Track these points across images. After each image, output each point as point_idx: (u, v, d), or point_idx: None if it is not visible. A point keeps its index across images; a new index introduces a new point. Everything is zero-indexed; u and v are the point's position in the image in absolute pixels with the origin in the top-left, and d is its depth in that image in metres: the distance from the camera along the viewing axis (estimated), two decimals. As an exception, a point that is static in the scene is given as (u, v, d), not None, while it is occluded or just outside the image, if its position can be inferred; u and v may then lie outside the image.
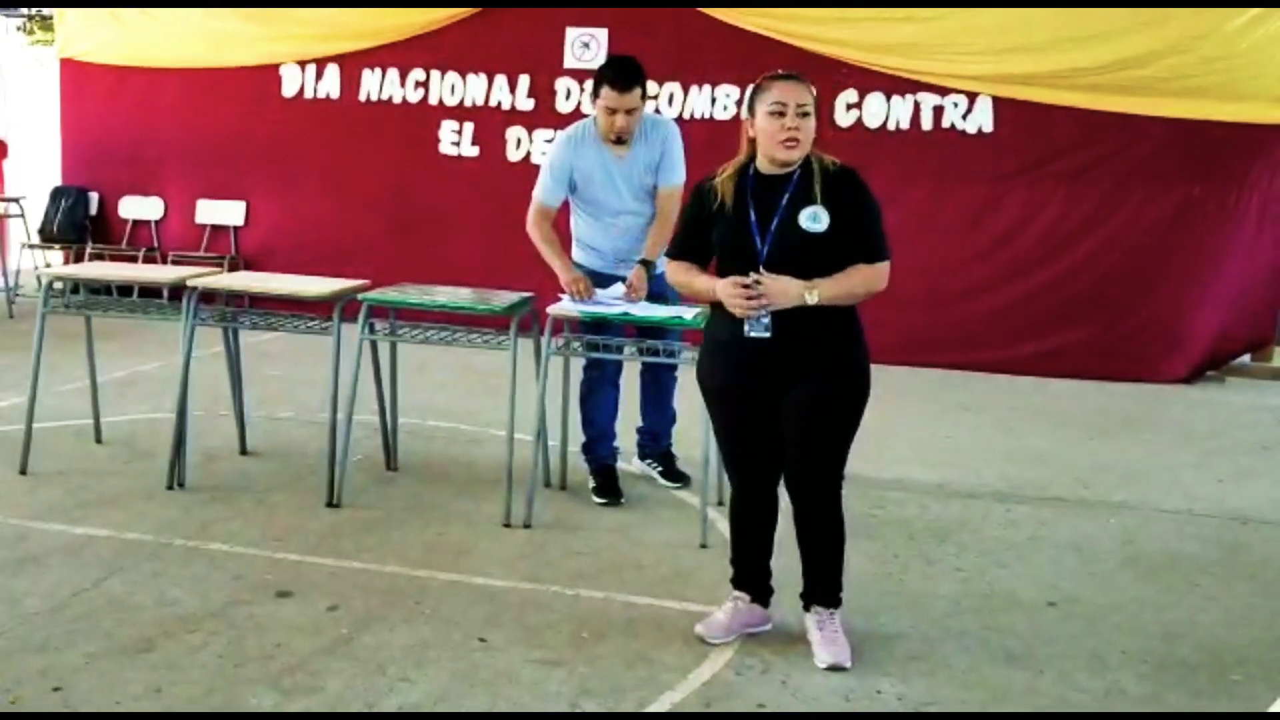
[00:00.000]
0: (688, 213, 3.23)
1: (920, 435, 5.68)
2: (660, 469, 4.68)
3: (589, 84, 4.30)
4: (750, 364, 3.05)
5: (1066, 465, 5.26)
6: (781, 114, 2.98)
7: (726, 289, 2.99)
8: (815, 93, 3.04)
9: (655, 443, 4.70)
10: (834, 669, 3.06)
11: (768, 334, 2.98)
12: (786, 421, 3.07)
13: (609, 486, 4.44)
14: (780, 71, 3.11)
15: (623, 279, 4.28)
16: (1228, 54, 7.00)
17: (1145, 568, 3.97)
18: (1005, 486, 4.88)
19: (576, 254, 4.47)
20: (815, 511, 3.12)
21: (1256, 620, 3.55)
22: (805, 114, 2.98)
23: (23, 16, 12.31)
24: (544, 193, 4.38)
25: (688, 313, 4.05)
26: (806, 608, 3.21)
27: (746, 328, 3.00)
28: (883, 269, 3.01)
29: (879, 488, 4.75)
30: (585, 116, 4.43)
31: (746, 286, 2.96)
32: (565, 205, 4.48)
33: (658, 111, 7.32)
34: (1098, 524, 4.43)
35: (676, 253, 3.23)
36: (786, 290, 2.94)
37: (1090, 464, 5.30)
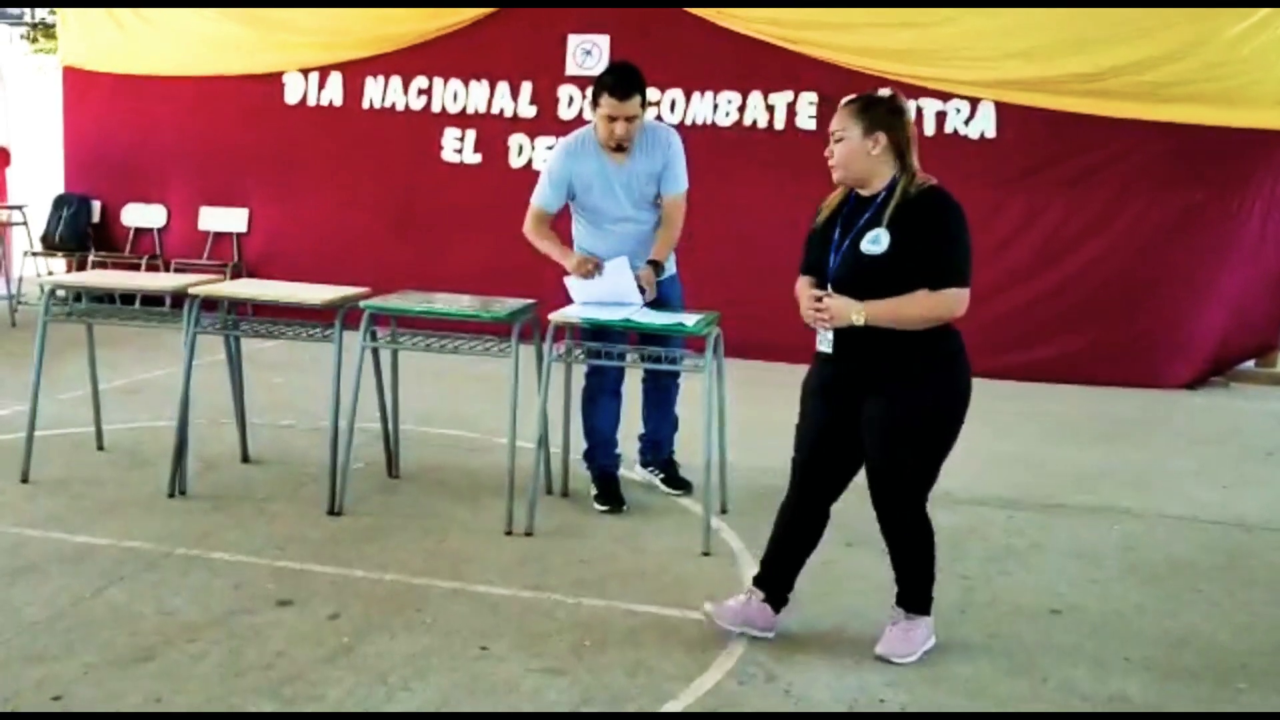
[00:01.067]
0: (809, 231, 3.26)
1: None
2: (662, 476, 4.67)
3: (590, 91, 4.28)
4: (822, 377, 3.19)
5: (1070, 471, 5.24)
6: (827, 141, 3.12)
7: (803, 301, 3.11)
8: (864, 107, 3.07)
9: (657, 450, 4.69)
10: (880, 659, 3.17)
11: (829, 350, 3.09)
12: (863, 436, 3.14)
13: (611, 494, 4.43)
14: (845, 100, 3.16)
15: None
16: (1229, 60, 7.00)
17: (1148, 574, 3.95)
18: (1009, 493, 4.86)
19: None
20: (889, 524, 3.22)
21: (1260, 627, 3.53)
22: (839, 139, 3.06)
23: (26, 25, 12.36)
24: (542, 199, 4.38)
25: (689, 319, 4.04)
26: (899, 604, 3.29)
27: (818, 341, 3.14)
28: (947, 296, 2.97)
29: (882, 495, 4.73)
30: (587, 123, 4.43)
31: (818, 300, 3.06)
32: (566, 211, 4.47)
33: (659, 119, 7.34)
34: (1101, 531, 4.41)
35: (801, 269, 3.26)
36: (840, 310, 3.01)
37: (1093, 470, 5.29)
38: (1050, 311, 7.36)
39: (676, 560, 3.91)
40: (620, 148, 4.24)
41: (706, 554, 3.94)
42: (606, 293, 4.18)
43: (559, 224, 4.46)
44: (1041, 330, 7.36)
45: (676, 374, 4.43)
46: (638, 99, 4.15)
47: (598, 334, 4.20)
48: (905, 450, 3.11)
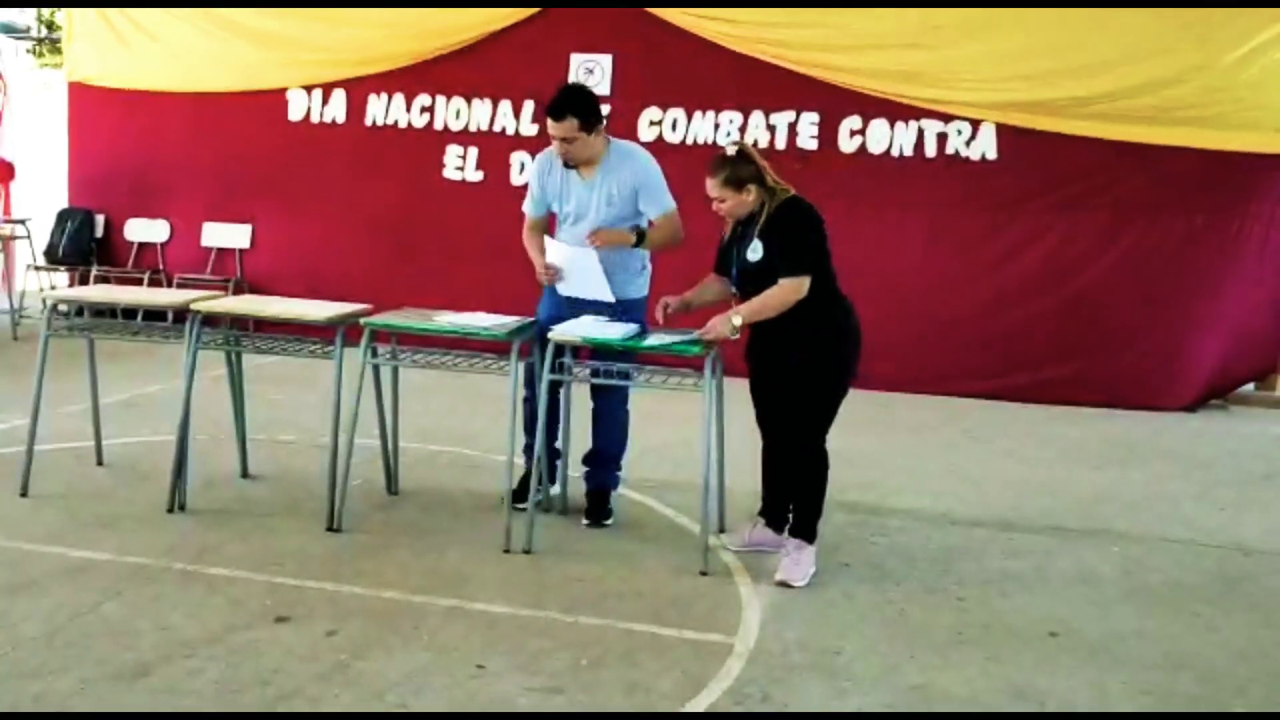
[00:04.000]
0: (720, 240, 4.08)
1: (923, 463, 5.67)
2: (588, 507, 4.52)
3: None
4: (749, 344, 4.04)
5: (1069, 494, 5.24)
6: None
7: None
8: (729, 173, 3.81)
9: (600, 466, 4.56)
10: (781, 584, 3.83)
11: (736, 335, 3.89)
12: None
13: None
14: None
15: (607, 305, 4.28)
16: (1228, 84, 7.02)
17: (1147, 598, 3.95)
18: (1008, 515, 4.86)
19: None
20: (795, 458, 3.97)
21: (1258, 652, 3.53)
22: (723, 202, 3.85)
23: (31, 39, 12.42)
24: (527, 208, 4.56)
25: (673, 338, 4.05)
26: (791, 535, 4.01)
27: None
28: (786, 285, 3.75)
29: (882, 514, 4.74)
30: None
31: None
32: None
33: (659, 139, 7.36)
34: (1100, 553, 4.41)
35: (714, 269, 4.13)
36: (715, 327, 3.84)
37: (1093, 493, 5.29)
38: (1049, 333, 7.36)
39: (674, 579, 3.90)
40: (571, 165, 4.30)
41: (704, 573, 3.94)
42: (579, 285, 4.29)
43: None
44: (1040, 352, 7.36)
45: (626, 398, 4.48)
46: (572, 121, 4.20)
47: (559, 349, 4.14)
48: (803, 397, 3.87)
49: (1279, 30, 7.00)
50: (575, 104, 4.24)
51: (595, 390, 4.48)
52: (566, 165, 4.34)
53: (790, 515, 4.06)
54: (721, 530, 4.36)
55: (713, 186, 3.83)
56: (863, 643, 3.41)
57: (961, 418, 6.82)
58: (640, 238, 4.30)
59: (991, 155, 7.41)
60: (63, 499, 4.45)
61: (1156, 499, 5.23)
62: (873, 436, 5.94)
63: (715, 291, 4.10)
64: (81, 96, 8.96)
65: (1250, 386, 7.65)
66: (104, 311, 5.17)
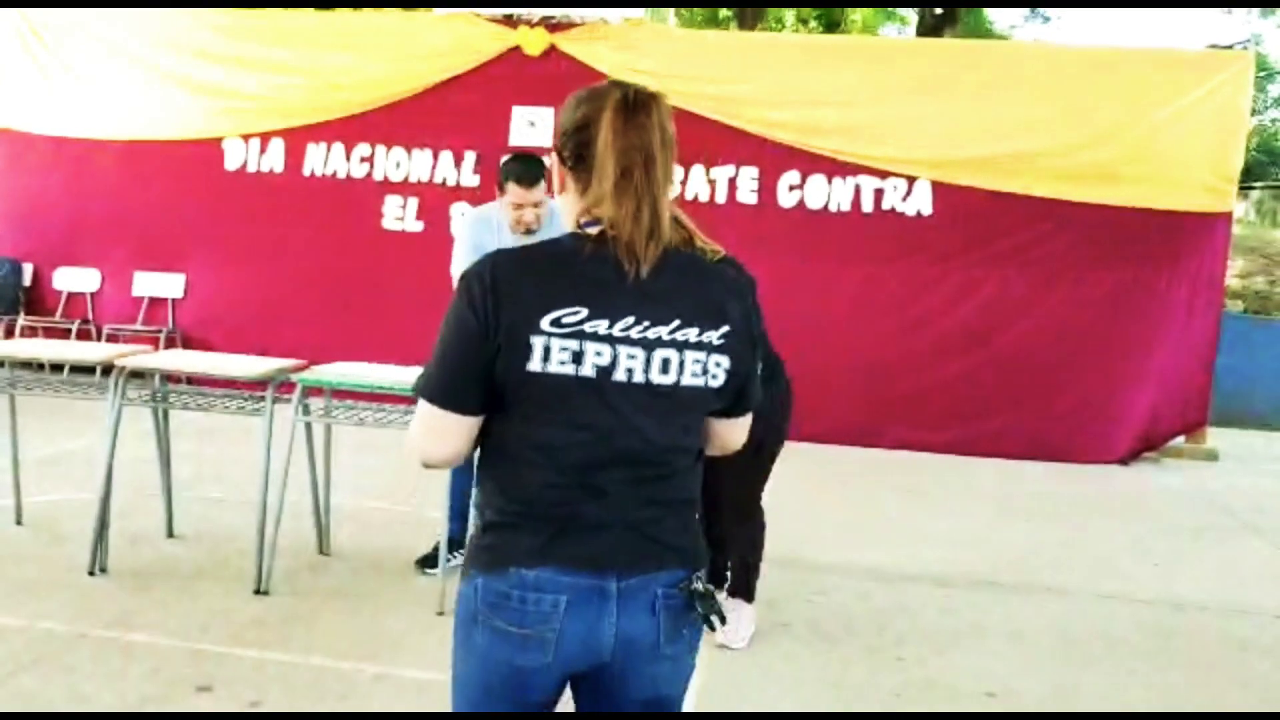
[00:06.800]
0: None
1: (857, 518, 5.68)
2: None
3: (499, 176, 4.27)
4: None
5: (1003, 548, 5.27)
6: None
7: None
8: None
9: None
10: (721, 647, 3.73)
11: None
12: None
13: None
14: None
15: None
16: (1157, 143, 7.23)
17: (1082, 655, 3.96)
18: (943, 570, 4.87)
19: None
20: (730, 524, 3.85)
21: (1195, 707, 3.54)
22: None
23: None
24: (462, 268, 4.38)
25: None
26: (730, 595, 3.93)
27: None
28: None
29: (819, 571, 4.72)
30: None
31: None
32: None
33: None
34: (1034, 609, 4.42)
35: None
36: None
37: (1025, 547, 5.32)
38: (981, 386, 7.46)
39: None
40: (530, 231, 4.24)
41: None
42: None
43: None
44: (972, 405, 7.45)
45: None
46: (542, 186, 4.18)
47: None
48: (737, 464, 3.59)
49: (1205, 90, 7.23)
50: (544, 170, 4.20)
51: None
52: (528, 231, 4.20)
53: (728, 574, 4.03)
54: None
55: None
56: (805, 705, 3.37)
57: (894, 471, 6.85)
58: None
59: (927, 211, 7.53)
60: (-23, 561, 4.28)
61: (1090, 553, 5.28)
62: (807, 490, 5.93)
63: None
64: (11, 142, 8.80)
65: (1180, 440, 7.79)
66: (29, 364, 5.02)
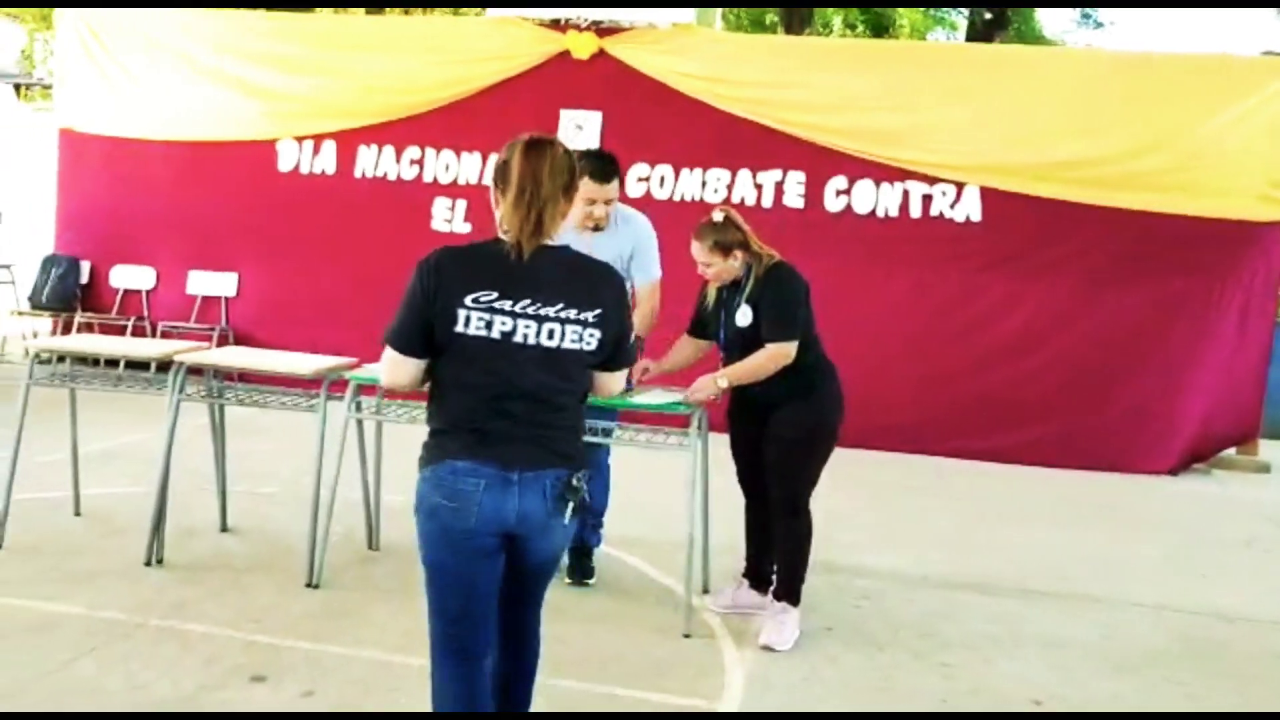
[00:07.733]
0: (700, 303, 4.14)
1: (904, 523, 5.67)
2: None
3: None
4: (730, 406, 4.08)
5: (1049, 557, 5.23)
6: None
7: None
8: (716, 239, 3.85)
9: (582, 523, 4.52)
10: (766, 648, 3.81)
11: (720, 398, 3.96)
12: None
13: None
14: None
15: None
16: (1208, 151, 7.14)
17: (1127, 665, 3.93)
18: (988, 578, 4.85)
19: None
20: (779, 520, 3.95)
21: (1242, 722, 3.51)
22: (709, 266, 3.89)
23: (23, 82, 12.47)
24: None
25: (659, 397, 4.06)
26: (775, 598, 3.99)
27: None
28: (774, 350, 3.81)
29: (863, 577, 4.72)
30: None
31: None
32: None
33: (647, 194, 7.41)
34: (1078, 618, 4.39)
35: (688, 329, 4.20)
36: (703, 385, 3.89)
37: (1072, 555, 5.28)
38: (1029, 394, 7.39)
39: (656, 642, 3.87)
40: (598, 228, 4.28)
41: (687, 636, 3.91)
42: None
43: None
44: (1020, 413, 7.38)
45: (609, 451, 4.47)
46: (616, 182, 4.22)
47: None
48: (786, 462, 3.89)
49: (1259, 97, 7.14)
50: (619, 166, 4.28)
51: None
52: (596, 228, 4.23)
53: (774, 576, 4.04)
54: (705, 591, 4.33)
55: (699, 251, 3.88)
56: (852, 708, 3.37)
57: (942, 477, 6.82)
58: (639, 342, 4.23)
59: (976, 217, 7.48)
60: (37, 550, 4.39)
61: (1136, 563, 5.23)
62: (854, 495, 5.93)
63: (688, 354, 4.18)
64: (72, 143, 8.97)
65: (1232, 451, 7.68)
66: (87, 359, 5.13)
